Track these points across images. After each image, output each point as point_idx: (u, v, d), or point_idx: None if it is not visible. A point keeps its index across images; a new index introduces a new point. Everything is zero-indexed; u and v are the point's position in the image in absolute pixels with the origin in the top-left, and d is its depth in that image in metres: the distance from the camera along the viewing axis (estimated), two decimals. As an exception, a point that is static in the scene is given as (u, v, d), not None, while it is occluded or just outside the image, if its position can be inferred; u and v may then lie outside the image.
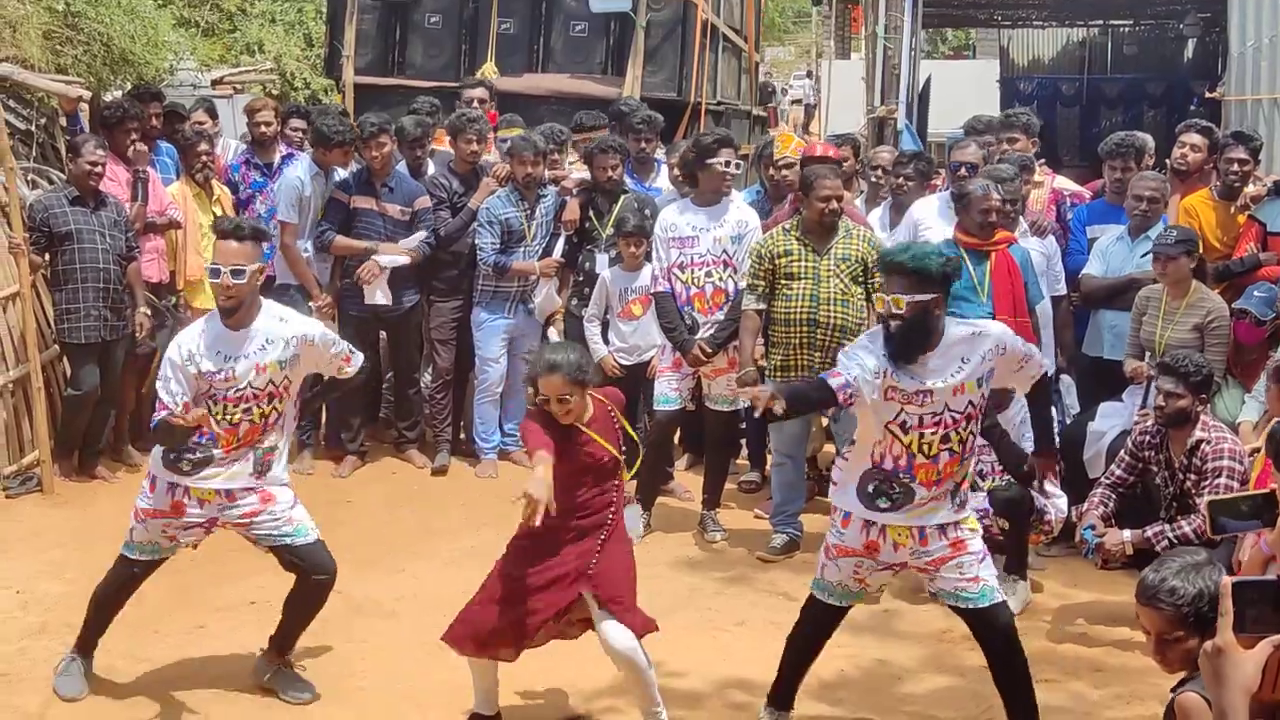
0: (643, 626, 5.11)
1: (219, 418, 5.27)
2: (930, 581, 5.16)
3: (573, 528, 5.07)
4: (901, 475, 4.94)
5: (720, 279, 7.56)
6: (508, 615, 5.05)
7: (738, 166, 7.60)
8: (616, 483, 5.20)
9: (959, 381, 4.87)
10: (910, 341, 4.87)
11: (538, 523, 4.65)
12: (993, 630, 5.06)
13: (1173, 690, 3.87)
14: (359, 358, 5.67)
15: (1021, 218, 7.76)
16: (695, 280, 7.58)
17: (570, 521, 5.06)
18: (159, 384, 5.31)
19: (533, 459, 4.89)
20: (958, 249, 6.86)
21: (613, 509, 5.17)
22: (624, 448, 5.21)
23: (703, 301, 7.58)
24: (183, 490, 5.34)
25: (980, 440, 5.16)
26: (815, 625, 5.32)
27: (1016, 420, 6.76)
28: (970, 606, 5.03)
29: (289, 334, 5.35)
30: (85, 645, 5.65)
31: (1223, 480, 6.11)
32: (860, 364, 4.85)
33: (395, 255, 8.45)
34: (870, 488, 4.99)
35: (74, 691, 5.51)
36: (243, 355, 5.27)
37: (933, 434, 4.89)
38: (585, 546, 5.09)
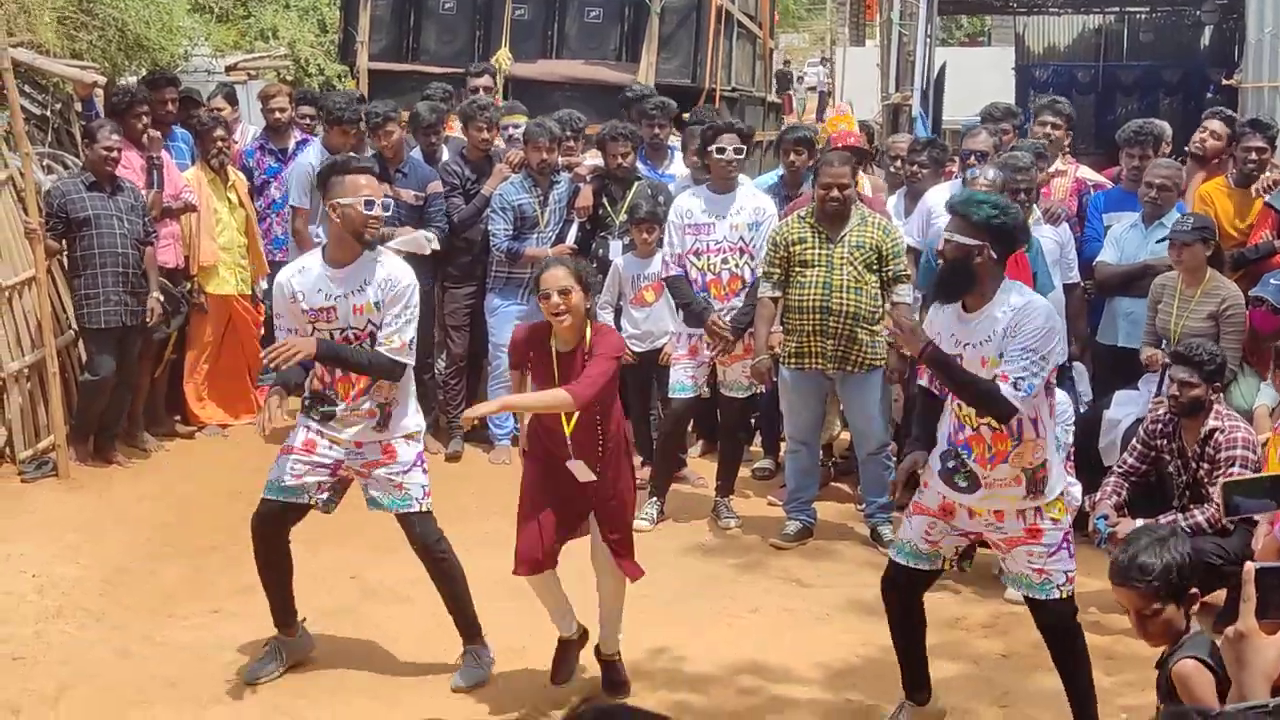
0: (630, 573, 5.37)
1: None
2: (1002, 559, 5.16)
3: (568, 451, 5.22)
4: (960, 452, 4.92)
5: (736, 265, 7.55)
6: (537, 533, 5.31)
7: (738, 152, 7.57)
8: (595, 423, 5.23)
9: (986, 353, 4.81)
10: (947, 282, 4.90)
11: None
12: (1048, 625, 5.05)
13: (1157, 665, 3.90)
14: (406, 357, 5.46)
15: (1035, 205, 7.74)
16: (711, 266, 7.58)
17: (565, 444, 5.21)
18: (276, 322, 5.43)
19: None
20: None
21: (601, 433, 5.26)
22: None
23: (719, 288, 7.57)
24: (317, 429, 5.42)
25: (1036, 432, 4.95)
26: (896, 591, 5.26)
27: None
28: (1030, 596, 5.03)
29: (382, 275, 5.36)
30: (277, 619, 5.65)
31: (1236, 469, 6.11)
32: (933, 313, 5.04)
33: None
34: (950, 464, 4.97)
35: (253, 675, 5.57)
36: (341, 295, 5.30)
37: (969, 406, 4.87)
38: (581, 497, 5.30)
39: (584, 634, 5.52)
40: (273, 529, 5.52)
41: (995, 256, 4.84)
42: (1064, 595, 4.99)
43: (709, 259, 7.58)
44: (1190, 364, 6.28)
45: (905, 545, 5.17)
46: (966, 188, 7.28)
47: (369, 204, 5.24)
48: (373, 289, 5.31)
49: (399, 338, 5.33)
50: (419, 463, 5.58)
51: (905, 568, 5.17)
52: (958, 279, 4.87)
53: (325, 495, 5.55)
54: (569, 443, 5.21)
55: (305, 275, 5.35)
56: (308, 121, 9.55)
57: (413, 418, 5.57)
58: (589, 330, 5.19)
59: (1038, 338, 4.76)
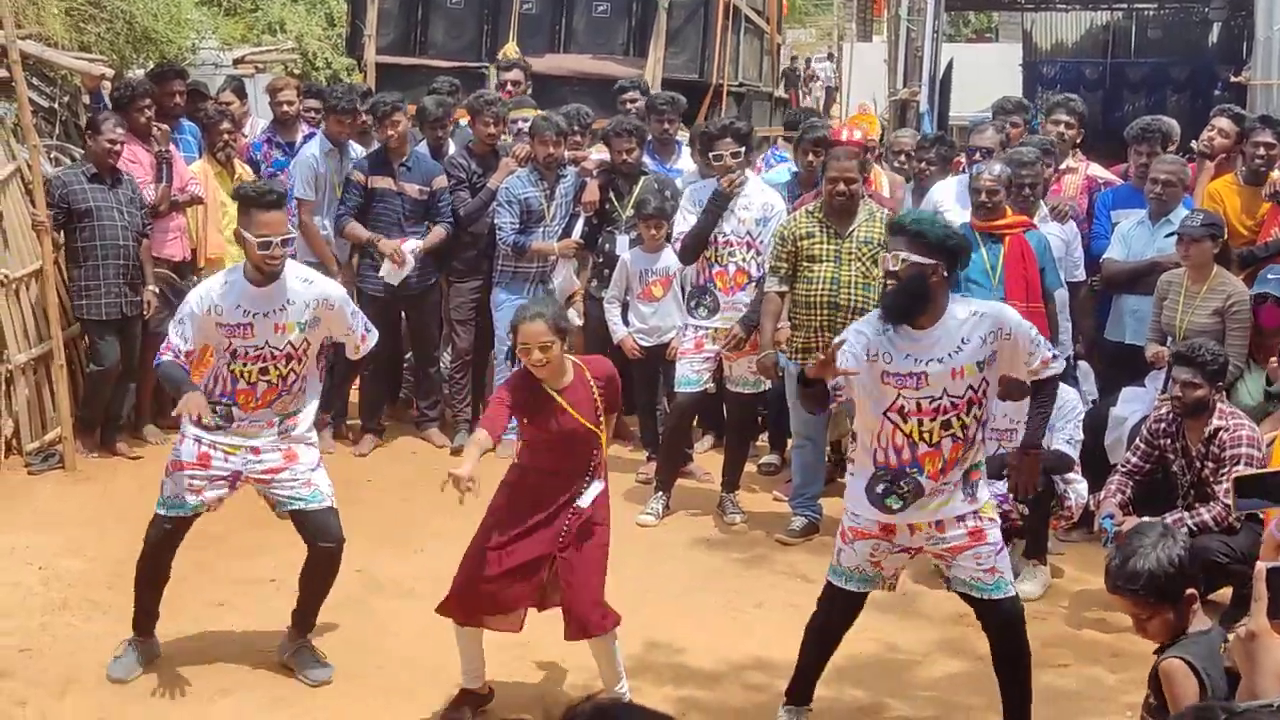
0: (600, 628, 5.17)
1: (238, 374, 5.35)
2: (947, 568, 5.08)
3: (545, 497, 5.18)
4: (908, 470, 4.83)
5: (743, 260, 7.56)
6: (487, 588, 5.16)
7: (735, 156, 7.56)
8: (592, 454, 5.21)
9: (957, 364, 4.74)
10: (901, 304, 4.78)
11: (461, 502, 4.86)
12: (1003, 622, 5.00)
13: (1156, 653, 3.91)
14: (374, 336, 5.72)
15: (1042, 202, 7.74)
16: (719, 258, 7.59)
17: (543, 489, 5.18)
18: (171, 323, 5.42)
19: (470, 437, 5.16)
20: (972, 234, 6.84)
21: (584, 480, 5.19)
22: (600, 419, 5.18)
23: (724, 280, 7.58)
24: (209, 443, 5.39)
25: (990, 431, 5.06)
26: (834, 614, 5.21)
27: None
28: (984, 597, 4.97)
29: (311, 296, 5.41)
30: (140, 625, 5.64)
31: (1241, 467, 6.09)
32: (853, 340, 4.81)
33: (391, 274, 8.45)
34: (879, 489, 4.87)
35: (122, 674, 5.51)
36: (263, 313, 5.32)
37: (932, 421, 4.78)
38: (555, 529, 5.15)
39: (489, 694, 5.37)
40: (168, 545, 5.56)
41: (946, 275, 4.82)
42: (1015, 592, 5.03)
43: (716, 249, 7.58)
44: (1193, 364, 6.27)
45: (852, 572, 5.09)
46: (973, 182, 7.30)
47: (265, 244, 5.26)
48: (297, 309, 5.36)
49: (365, 339, 5.63)
50: (320, 463, 5.61)
51: (849, 592, 5.14)
52: (908, 300, 4.78)
53: (219, 498, 5.59)
54: (591, 471, 5.21)
55: (228, 290, 5.35)
56: (314, 115, 9.56)
57: (310, 432, 5.61)
58: (568, 364, 5.18)
59: (1025, 324, 4.87)
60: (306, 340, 5.42)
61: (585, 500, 5.15)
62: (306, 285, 5.43)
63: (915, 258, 4.74)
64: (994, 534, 4.95)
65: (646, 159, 8.78)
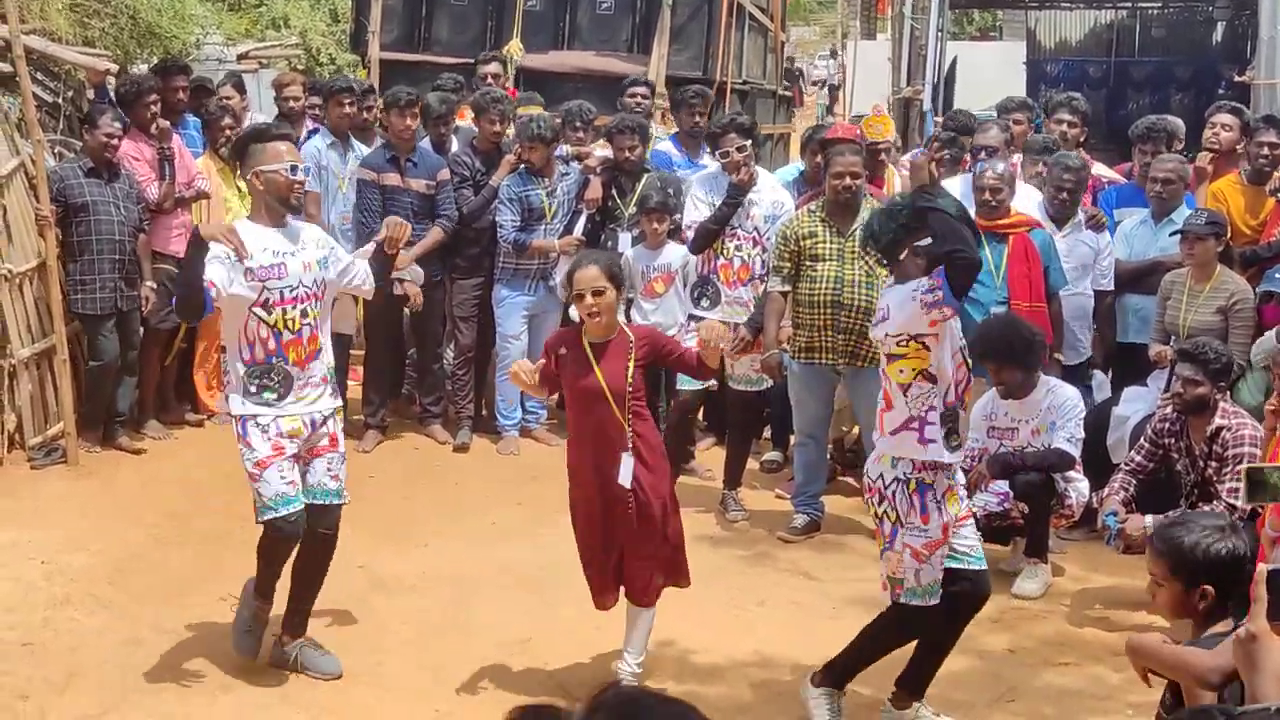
0: (658, 593, 5.42)
1: (279, 325, 5.22)
2: None
3: (587, 461, 5.28)
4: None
5: (748, 255, 7.59)
6: (596, 573, 5.39)
7: (740, 150, 7.58)
8: (617, 423, 5.19)
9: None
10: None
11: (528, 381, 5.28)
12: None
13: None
14: (372, 283, 5.65)
15: (1080, 209, 7.74)
16: (724, 250, 7.62)
17: (584, 453, 5.29)
18: (209, 265, 5.04)
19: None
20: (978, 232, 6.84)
21: (617, 450, 5.21)
22: (627, 389, 5.18)
23: (728, 273, 7.62)
24: (274, 430, 5.27)
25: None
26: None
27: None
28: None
29: (317, 233, 5.51)
30: (259, 609, 5.59)
31: (1244, 466, 6.09)
32: None
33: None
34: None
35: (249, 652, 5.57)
36: (290, 252, 5.27)
37: None
38: (618, 514, 5.26)
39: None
40: (293, 545, 5.43)
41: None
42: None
43: (722, 242, 7.60)
44: (1196, 362, 6.27)
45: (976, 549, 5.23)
46: (976, 180, 7.31)
47: (293, 169, 5.27)
48: (313, 245, 5.36)
49: (363, 272, 5.58)
50: (345, 453, 5.61)
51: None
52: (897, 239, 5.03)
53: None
54: (627, 437, 5.21)
55: (246, 238, 5.14)
56: (317, 111, 9.58)
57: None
58: (623, 326, 5.29)
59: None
60: (324, 280, 5.36)
61: (623, 478, 5.19)
62: (304, 226, 5.50)
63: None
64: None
65: (674, 151, 8.80)
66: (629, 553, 5.31)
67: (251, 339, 5.22)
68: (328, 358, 5.43)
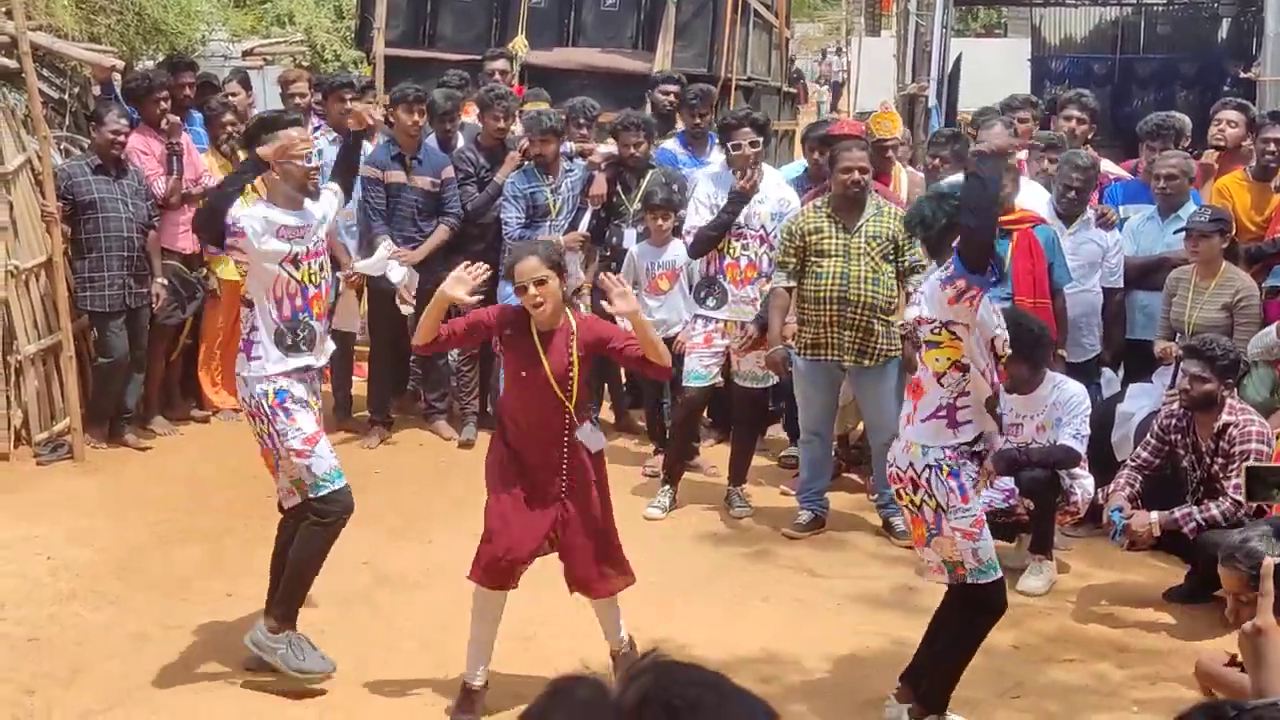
0: (600, 592, 5.35)
1: (306, 279, 5.37)
2: None
3: (527, 445, 5.21)
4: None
5: (755, 254, 7.58)
6: (502, 545, 5.19)
7: (753, 145, 7.58)
8: (559, 412, 5.16)
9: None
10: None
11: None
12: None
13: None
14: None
15: (1090, 208, 7.74)
16: (730, 250, 7.60)
17: (523, 437, 5.21)
18: (245, 218, 5.29)
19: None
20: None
21: (565, 434, 5.18)
22: (570, 378, 5.13)
23: (735, 273, 7.58)
24: (303, 403, 5.35)
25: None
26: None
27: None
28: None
29: (324, 198, 5.63)
30: (293, 616, 5.49)
31: (1251, 463, 6.09)
32: None
33: (371, 264, 8.42)
34: None
35: (324, 666, 5.43)
36: (307, 225, 5.41)
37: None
38: (551, 491, 5.20)
39: (485, 687, 5.32)
40: (343, 522, 5.46)
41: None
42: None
43: (729, 241, 7.59)
44: (1202, 358, 6.26)
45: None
46: None
47: (309, 157, 5.40)
48: (317, 210, 5.50)
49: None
50: None
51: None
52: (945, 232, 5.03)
53: None
54: (566, 426, 5.18)
55: (270, 210, 5.37)
56: (321, 109, 9.60)
57: None
58: (568, 313, 5.22)
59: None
60: (323, 238, 5.54)
61: (593, 444, 5.23)
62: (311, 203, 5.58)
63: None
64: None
65: (680, 150, 8.80)
66: (566, 541, 5.24)
67: (280, 295, 5.35)
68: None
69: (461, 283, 5.11)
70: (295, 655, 5.40)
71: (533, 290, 5.05)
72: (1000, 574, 5.12)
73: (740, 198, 7.44)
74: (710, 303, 7.65)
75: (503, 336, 5.24)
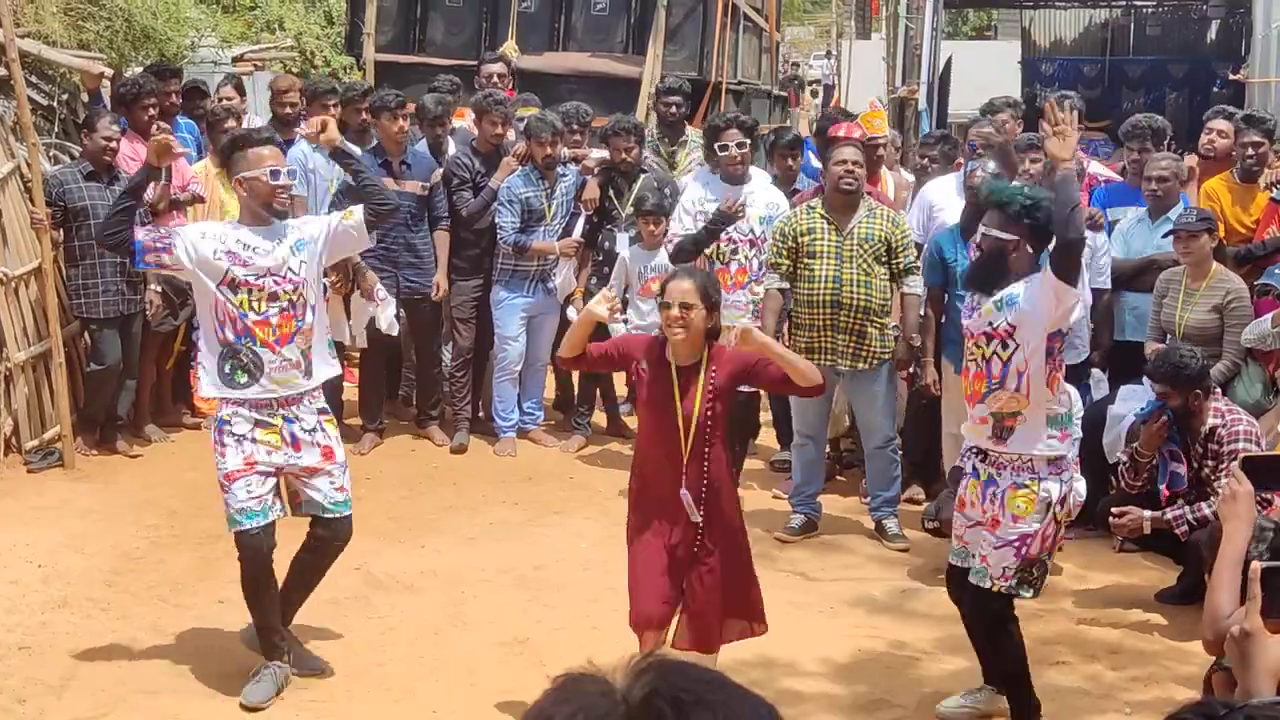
0: (705, 648, 5.07)
1: (245, 305, 5.23)
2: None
3: (659, 485, 4.99)
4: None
5: (745, 258, 7.59)
6: (651, 598, 4.97)
7: (740, 147, 7.61)
8: (690, 455, 4.93)
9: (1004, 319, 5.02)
10: (984, 275, 5.08)
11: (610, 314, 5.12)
12: (972, 608, 5.15)
13: None
14: (359, 212, 5.51)
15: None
16: (720, 255, 7.61)
17: (653, 477, 5.02)
18: (191, 232, 5.32)
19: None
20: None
21: (683, 479, 4.96)
22: (707, 421, 4.91)
23: (725, 278, 7.58)
24: (250, 441, 5.26)
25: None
26: (954, 587, 5.37)
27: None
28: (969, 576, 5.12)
29: (302, 223, 5.54)
30: (270, 648, 5.43)
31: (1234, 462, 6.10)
32: None
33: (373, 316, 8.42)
34: None
35: (259, 698, 5.30)
36: (268, 247, 5.28)
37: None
38: (685, 539, 4.99)
39: None
40: (266, 554, 5.36)
41: (1031, 251, 4.97)
42: (993, 588, 5.05)
43: (719, 248, 7.60)
44: (1162, 379, 6.28)
45: (953, 544, 5.35)
46: (966, 180, 7.30)
47: (274, 174, 5.28)
48: (292, 235, 5.36)
49: (351, 215, 5.49)
50: (345, 460, 5.56)
51: (952, 565, 5.35)
52: (994, 271, 5.01)
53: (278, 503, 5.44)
54: (684, 471, 4.95)
55: (228, 229, 5.33)
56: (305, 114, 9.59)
57: (329, 360, 5.52)
58: (708, 349, 4.96)
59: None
60: (303, 261, 5.34)
61: (692, 514, 4.96)
62: (298, 221, 5.54)
63: (996, 233, 4.99)
64: (1005, 530, 5.03)
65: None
66: (689, 594, 5.02)
67: (221, 318, 5.27)
68: (308, 340, 5.35)
69: (605, 301, 5.05)
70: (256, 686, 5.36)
71: (676, 310, 4.83)
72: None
73: (724, 218, 7.42)
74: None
75: (638, 367, 5.02)
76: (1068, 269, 4.79)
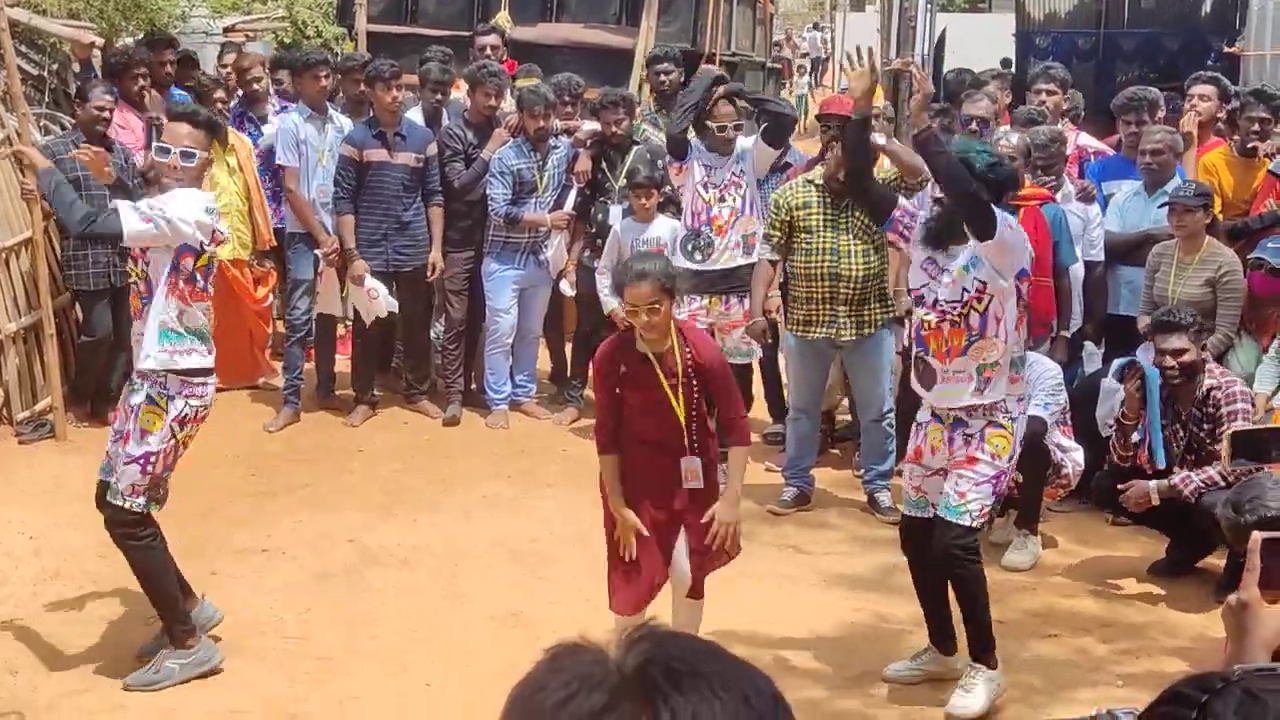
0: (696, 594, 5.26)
1: (136, 277, 5.38)
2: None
3: (651, 469, 5.08)
4: (919, 349, 5.22)
5: (734, 200, 7.75)
6: (634, 572, 5.09)
7: (737, 127, 7.67)
8: (682, 427, 5.02)
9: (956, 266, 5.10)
10: (943, 230, 5.13)
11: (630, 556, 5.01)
12: (946, 547, 5.13)
13: None
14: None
15: (1069, 181, 7.72)
16: (710, 202, 7.75)
17: (648, 461, 5.07)
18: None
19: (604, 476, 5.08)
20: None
21: (685, 454, 5.06)
22: (689, 390, 4.99)
23: (718, 223, 7.76)
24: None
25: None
26: (909, 542, 5.40)
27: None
28: (941, 516, 5.15)
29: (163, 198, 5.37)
30: (181, 637, 5.38)
31: (1239, 423, 6.12)
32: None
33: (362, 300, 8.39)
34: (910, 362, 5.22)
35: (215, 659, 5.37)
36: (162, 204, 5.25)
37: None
38: (673, 504, 5.11)
39: None
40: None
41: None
42: (971, 524, 5.13)
43: (714, 192, 7.73)
44: (1177, 329, 6.29)
45: (906, 494, 5.41)
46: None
47: (163, 150, 5.30)
48: (172, 208, 5.26)
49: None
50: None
51: (907, 517, 5.40)
52: (956, 230, 5.07)
53: None
54: (686, 442, 5.04)
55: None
56: (280, 86, 9.55)
57: (155, 357, 5.37)
58: (672, 328, 4.99)
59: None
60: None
61: (694, 483, 5.08)
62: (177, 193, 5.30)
63: None
64: (984, 467, 5.11)
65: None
66: (693, 543, 5.15)
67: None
68: (152, 318, 5.29)
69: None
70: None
71: (644, 318, 4.84)
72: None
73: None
74: (697, 256, 7.70)
75: (620, 376, 5.01)
76: (974, 219, 4.93)
